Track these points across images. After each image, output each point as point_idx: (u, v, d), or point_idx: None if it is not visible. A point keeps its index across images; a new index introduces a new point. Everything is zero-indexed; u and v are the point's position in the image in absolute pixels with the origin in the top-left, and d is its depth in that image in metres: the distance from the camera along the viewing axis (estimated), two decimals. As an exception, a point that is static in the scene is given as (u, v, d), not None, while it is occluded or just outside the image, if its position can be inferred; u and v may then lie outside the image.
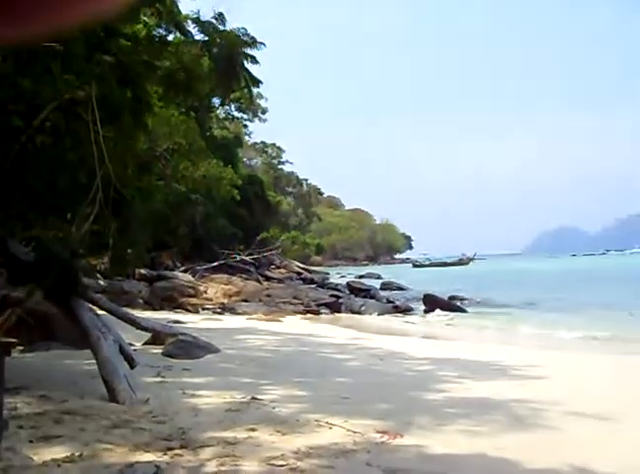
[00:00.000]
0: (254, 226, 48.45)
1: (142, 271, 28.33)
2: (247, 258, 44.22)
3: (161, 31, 16.79)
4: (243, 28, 40.53)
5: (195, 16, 35.63)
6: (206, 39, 37.03)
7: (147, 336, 12.76)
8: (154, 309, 24.56)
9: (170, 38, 20.53)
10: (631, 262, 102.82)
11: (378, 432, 6.81)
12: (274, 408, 7.81)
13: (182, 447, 5.98)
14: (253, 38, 40.91)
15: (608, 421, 7.73)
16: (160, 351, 11.89)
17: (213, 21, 39.05)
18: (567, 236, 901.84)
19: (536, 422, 7.57)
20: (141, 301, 25.51)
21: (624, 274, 59.45)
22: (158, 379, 9.49)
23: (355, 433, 6.69)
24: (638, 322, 23.11)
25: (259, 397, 8.38)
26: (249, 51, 41.39)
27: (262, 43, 41.48)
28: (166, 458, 5.67)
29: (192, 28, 34.67)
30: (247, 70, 42.20)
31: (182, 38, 24.99)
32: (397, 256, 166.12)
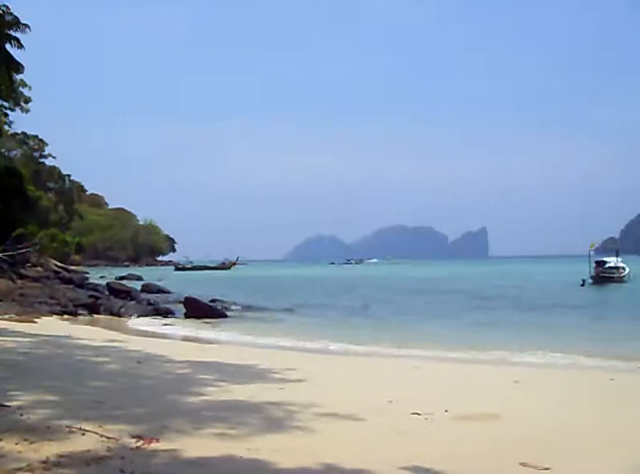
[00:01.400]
0: (10, 221, 45.38)
1: None
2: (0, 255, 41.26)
3: None
4: (5, 5, 37.44)
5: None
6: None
7: None
8: None
9: None
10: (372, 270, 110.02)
11: (133, 437, 6.63)
12: (21, 415, 7.33)
13: None
14: (16, 17, 37.97)
15: (357, 420, 8.14)
16: None
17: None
18: (326, 245, 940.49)
19: (291, 423, 7.77)
20: None
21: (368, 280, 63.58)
22: None
23: (109, 438, 6.47)
24: (382, 326, 24.86)
25: (5, 404, 7.84)
26: (12, 33, 38.36)
27: (26, 25, 38.69)
28: None
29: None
30: (7, 52, 39.12)
31: None
32: (160, 258, 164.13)
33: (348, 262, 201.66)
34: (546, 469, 6.27)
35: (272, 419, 8.00)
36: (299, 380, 11.31)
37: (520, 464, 6.40)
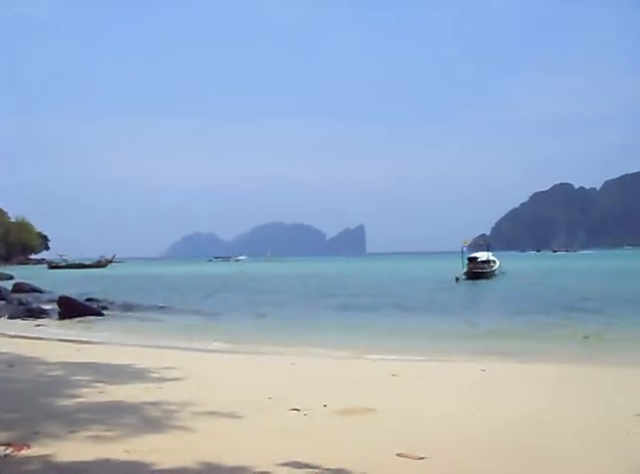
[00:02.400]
0: None
1: None
2: None
3: None
4: None
5: None
6: None
7: None
8: None
9: None
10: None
11: (2, 444, 6.37)
12: None
13: None
14: None
15: (237, 418, 8.13)
16: None
17: None
18: (204, 242, 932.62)
19: (170, 423, 7.67)
20: None
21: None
22: None
23: (-24, 447, 6.19)
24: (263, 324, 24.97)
25: None
26: None
27: None
28: None
29: None
30: None
31: None
32: (33, 256, 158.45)
33: (224, 259, 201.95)
34: (421, 459, 6.45)
35: (150, 419, 7.88)
36: (178, 379, 11.17)
37: (397, 455, 6.55)
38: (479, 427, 7.90)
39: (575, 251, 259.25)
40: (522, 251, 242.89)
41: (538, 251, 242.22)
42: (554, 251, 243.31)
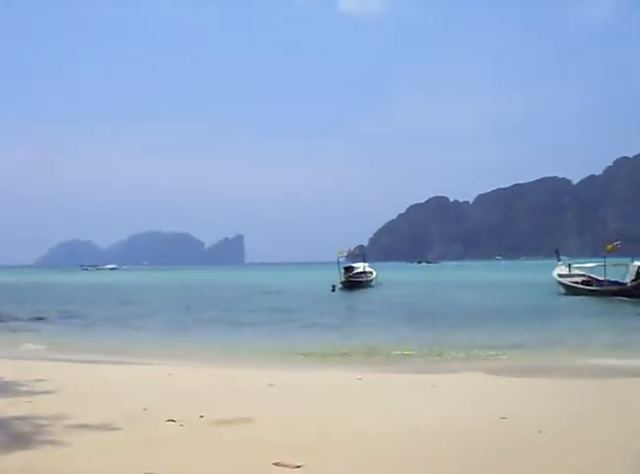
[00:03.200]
0: None
1: None
2: None
3: None
4: None
5: None
6: None
7: None
8: None
9: None
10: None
11: None
12: None
13: None
14: None
15: (112, 430, 7.98)
16: None
17: None
18: (81, 249, 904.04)
19: (41, 438, 7.44)
20: None
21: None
22: None
23: None
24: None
25: None
26: None
27: None
28: None
29: None
30: None
31: None
32: None
33: (94, 267, 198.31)
34: (298, 467, 6.54)
35: (18, 434, 7.61)
36: (49, 392, 10.82)
37: (274, 464, 6.61)
38: (356, 434, 8.06)
39: (437, 262, 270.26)
40: (410, 261, 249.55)
41: (420, 262, 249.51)
42: (419, 261, 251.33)
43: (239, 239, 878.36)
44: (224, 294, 53.76)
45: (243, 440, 7.67)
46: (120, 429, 8.09)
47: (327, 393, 11.37)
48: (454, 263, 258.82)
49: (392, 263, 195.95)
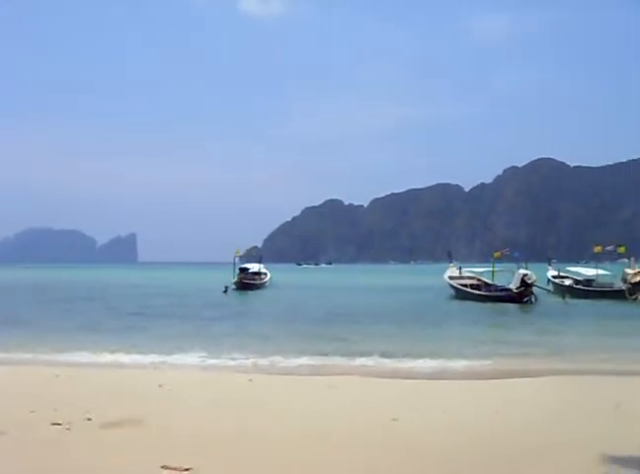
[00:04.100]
0: None
1: None
2: None
3: None
4: None
5: None
6: None
7: None
8: None
9: None
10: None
11: None
12: None
13: None
14: None
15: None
16: None
17: None
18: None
19: None
20: None
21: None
22: None
23: None
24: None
25: None
26: None
27: None
28: None
29: None
30: None
31: None
32: None
33: None
34: (187, 470, 6.53)
35: None
36: None
37: (162, 467, 6.58)
38: (245, 436, 8.11)
39: (330, 263, 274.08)
40: (299, 264, 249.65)
41: (299, 264, 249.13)
42: (298, 264, 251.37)
43: (132, 237, 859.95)
44: (110, 294, 52.67)
45: (131, 443, 7.60)
46: (3, 432, 7.86)
47: (218, 394, 11.36)
48: (331, 265, 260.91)
49: (285, 264, 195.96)
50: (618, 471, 6.74)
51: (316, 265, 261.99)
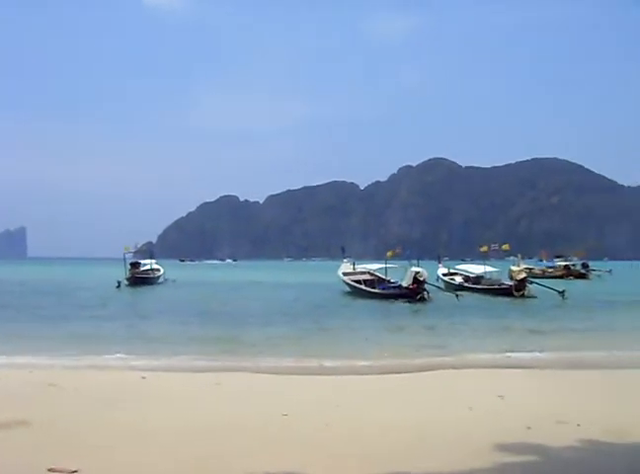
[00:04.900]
0: None
1: None
2: None
3: None
4: None
5: None
6: None
7: None
8: None
9: None
10: None
11: None
12: None
13: None
14: None
15: None
16: None
17: None
18: None
19: None
20: None
21: None
22: None
23: None
24: None
25: None
26: None
27: None
28: None
29: None
30: None
31: None
32: None
33: None
34: (74, 472, 6.42)
35: None
36: None
37: (49, 470, 6.45)
38: (136, 434, 8.04)
39: (235, 260, 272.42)
40: (181, 260, 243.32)
41: (182, 260, 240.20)
42: (181, 260, 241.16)
43: (21, 231, 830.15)
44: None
45: (17, 445, 7.42)
46: None
47: (109, 393, 11.17)
48: (236, 262, 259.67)
49: (175, 260, 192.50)
50: (503, 458, 7.07)
51: (221, 261, 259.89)
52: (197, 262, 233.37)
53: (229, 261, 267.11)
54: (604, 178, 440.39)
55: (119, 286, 50.47)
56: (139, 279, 53.91)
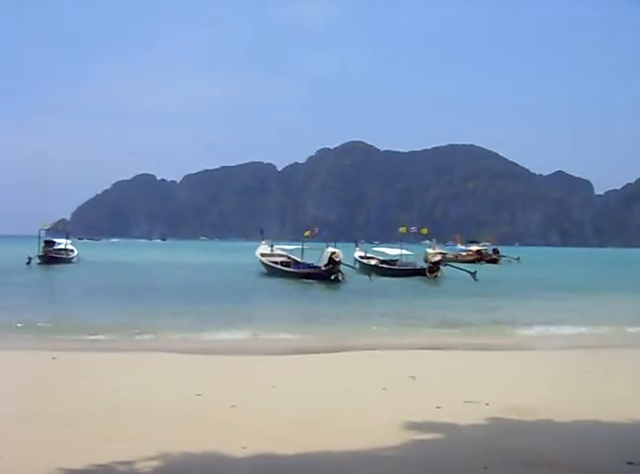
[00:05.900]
0: None
1: None
2: None
3: None
4: None
5: None
6: None
7: None
8: None
9: None
10: None
11: None
12: None
13: None
14: None
15: None
16: None
17: None
18: None
19: None
20: None
21: None
22: None
23: None
24: None
25: None
26: None
27: None
28: None
29: None
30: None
31: None
32: None
33: None
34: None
35: None
36: None
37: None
38: (51, 418, 7.89)
39: (164, 239, 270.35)
40: (80, 238, 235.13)
41: (149, 239, 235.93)
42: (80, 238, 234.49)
43: None
44: None
45: None
46: None
47: (18, 375, 10.92)
48: (165, 241, 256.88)
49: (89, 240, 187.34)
50: (412, 436, 7.24)
51: (149, 240, 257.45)
52: (103, 240, 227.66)
53: (157, 240, 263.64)
54: (518, 166, 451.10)
55: (29, 263, 49.14)
56: (52, 259, 52.58)
